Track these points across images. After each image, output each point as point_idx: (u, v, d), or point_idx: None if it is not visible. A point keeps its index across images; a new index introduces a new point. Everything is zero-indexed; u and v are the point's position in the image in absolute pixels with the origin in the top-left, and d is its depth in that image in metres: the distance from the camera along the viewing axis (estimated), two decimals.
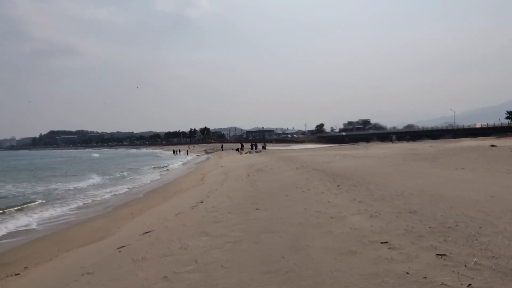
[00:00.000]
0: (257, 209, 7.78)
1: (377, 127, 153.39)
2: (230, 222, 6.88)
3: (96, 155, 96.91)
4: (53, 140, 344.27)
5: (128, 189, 20.60)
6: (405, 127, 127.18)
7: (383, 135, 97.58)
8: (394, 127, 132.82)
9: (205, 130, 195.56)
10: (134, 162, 53.07)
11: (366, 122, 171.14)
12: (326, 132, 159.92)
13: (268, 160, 25.70)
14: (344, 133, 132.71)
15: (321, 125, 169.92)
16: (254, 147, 55.31)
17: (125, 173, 32.06)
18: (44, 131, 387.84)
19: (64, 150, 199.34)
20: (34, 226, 11.80)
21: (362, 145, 57.83)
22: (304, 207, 7.12)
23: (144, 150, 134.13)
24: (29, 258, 7.81)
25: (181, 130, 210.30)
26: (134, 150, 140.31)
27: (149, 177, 27.54)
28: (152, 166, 39.97)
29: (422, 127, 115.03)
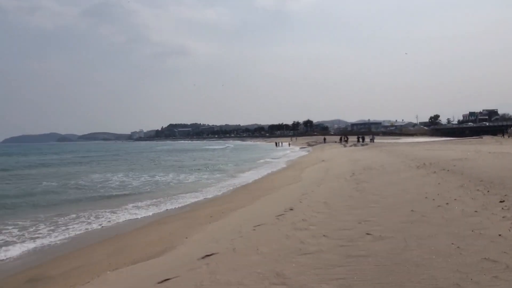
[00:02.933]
0: (368, 234, 5.04)
1: (506, 118, 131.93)
2: (324, 258, 4.30)
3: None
4: (172, 132, 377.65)
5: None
6: None
7: None
8: None
9: (308, 123, 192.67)
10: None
11: (492, 113, 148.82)
12: (441, 124, 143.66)
13: (376, 155, 22.12)
14: (465, 125, 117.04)
15: (436, 116, 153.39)
16: (361, 140, 50.77)
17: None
18: (165, 125, 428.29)
19: (186, 141, 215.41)
20: None
21: (491, 139, 48.70)
22: (452, 242, 4.16)
23: (249, 142, 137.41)
24: (70, 275, 6.35)
25: (284, 123, 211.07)
26: (239, 142, 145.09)
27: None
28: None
29: None
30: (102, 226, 10.45)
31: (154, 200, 14.48)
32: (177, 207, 12.99)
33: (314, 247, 4.83)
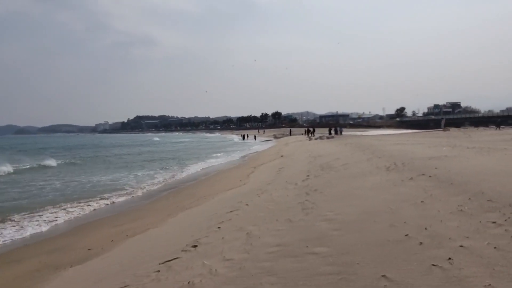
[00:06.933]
0: None
1: (468, 110, 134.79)
2: None
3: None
4: (139, 124, 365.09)
5: None
6: (503, 111, 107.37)
7: (477, 120, 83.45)
8: (490, 111, 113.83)
9: (276, 115, 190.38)
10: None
11: (455, 105, 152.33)
12: (407, 116, 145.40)
13: (340, 150, 19.43)
14: (432, 117, 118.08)
15: (402, 108, 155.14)
16: (333, 132, 48.08)
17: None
18: (131, 116, 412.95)
19: (161, 133, 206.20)
20: None
21: (458, 131, 47.72)
22: None
23: (217, 135, 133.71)
24: None
25: (253, 115, 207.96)
26: (208, 134, 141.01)
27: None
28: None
29: None
30: None
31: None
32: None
33: None
